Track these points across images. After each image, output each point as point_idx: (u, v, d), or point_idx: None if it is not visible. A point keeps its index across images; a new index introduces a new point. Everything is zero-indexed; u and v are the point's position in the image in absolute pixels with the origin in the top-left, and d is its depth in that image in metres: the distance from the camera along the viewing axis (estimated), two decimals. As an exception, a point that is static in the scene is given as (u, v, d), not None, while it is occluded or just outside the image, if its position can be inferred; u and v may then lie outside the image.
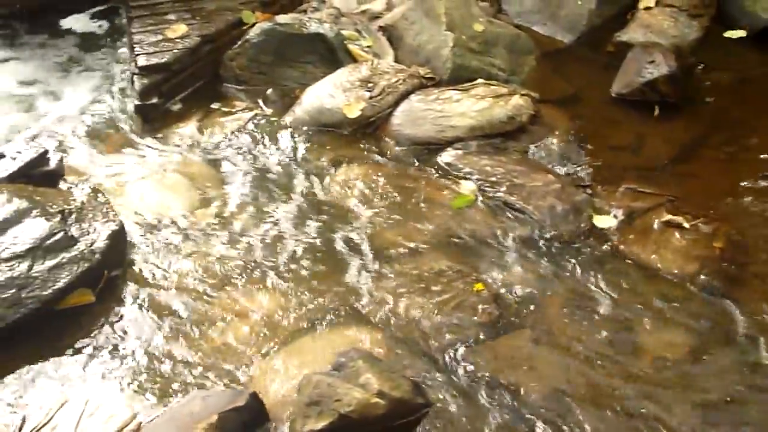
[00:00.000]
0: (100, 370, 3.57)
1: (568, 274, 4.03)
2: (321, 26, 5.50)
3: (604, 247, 4.18)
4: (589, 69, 5.69)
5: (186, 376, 3.54)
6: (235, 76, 5.50)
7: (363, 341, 3.66)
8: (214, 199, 4.52)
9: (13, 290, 3.65)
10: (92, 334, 3.72)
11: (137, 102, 5.16)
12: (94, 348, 3.67)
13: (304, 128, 5.03)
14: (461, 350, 3.64)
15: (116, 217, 4.11)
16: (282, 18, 5.56)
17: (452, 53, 5.32)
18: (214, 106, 5.31)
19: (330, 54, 5.45)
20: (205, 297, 3.92)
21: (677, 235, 4.21)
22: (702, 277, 3.98)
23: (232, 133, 5.03)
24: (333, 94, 5.08)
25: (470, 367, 3.55)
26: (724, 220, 4.30)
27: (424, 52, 5.48)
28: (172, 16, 5.65)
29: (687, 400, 3.42)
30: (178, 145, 4.98)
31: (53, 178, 4.46)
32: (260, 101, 5.34)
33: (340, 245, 4.20)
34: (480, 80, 5.20)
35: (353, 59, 5.45)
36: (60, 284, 3.74)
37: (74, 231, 3.94)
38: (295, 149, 4.90)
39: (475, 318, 3.79)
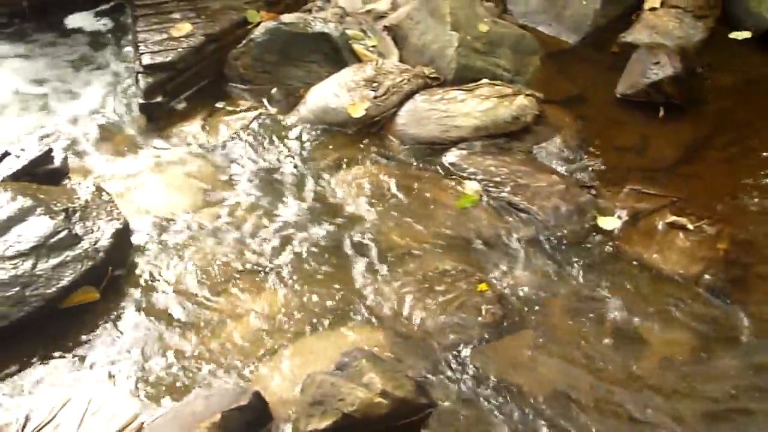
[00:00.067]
0: (104, 368, 3.57)
1: (572, 274, 4.03)
2: (326, 26, 5.49)
3: (608, 248, 4.18)
4: (594, 69, 5.68)
5: (189, 374, 3.55)
6: (240, 75, 5.50)
7: (366, 341, 3.65)
8: (218, 198, 4.53)
9: (17, 288, 3.66)
10: (96, 333, 3.73)
11: (142, 101, 5.16)
12: (98, 346, 3.67)
13: (309, 127, 5.03)
14: (465, 351, 3.63)
15: (120, 216, 4.12)
16: (287, 17, 5.56)
17: (457, 53, 5.30)
18: (219, 105, 5.31)
19: (335, 53, 5.45)
20: (208, 296, 3.92)
21: (681, 236, 4.21)
22: (706, 278, 3.98)
23: (237, 132, 5.02)
24: (338, 93, 5.08)
25: (474, 368, 3.55)
26: (728, 222, 4.30)
27: (428, 51, 5.47)
28: (176, 15, 5.65)
29: (691, 401, 3.43)
30: (182, 144, 4.98)
31: (57, 176, 4.48)
32: (265, 100, 5.34)
33: (344, 245, 4.20)
34: (485, 80, 5.19)
35: (358, 59, 5.45)
36: (64, 282, 3.75)
37: (78, 229, 3.95)
38: (299, 148, 4.89)
39: (479, 318, 3.78)
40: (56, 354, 3.63)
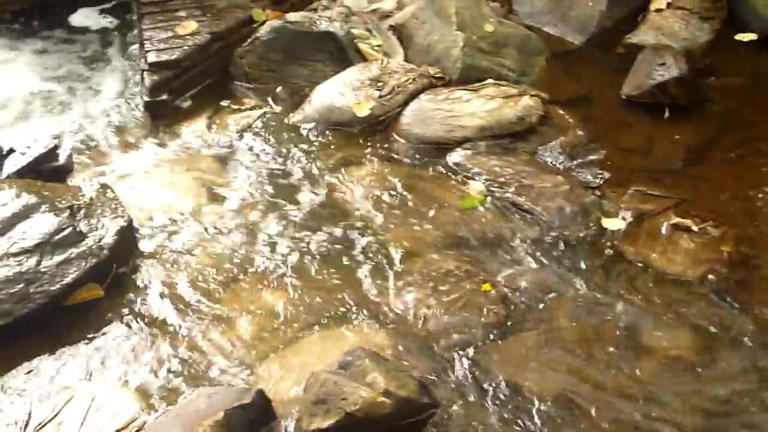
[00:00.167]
0: (107, 365, 3.57)
1: (575, 275, 4.03)
2: (331, 25, 5.50)
3: (612, 249, 4.18)
4: (600, 70, 5.68)
5: (193, 372, 3.55)
6: (245, 73, 5.50)
7: (370, 340, 3.66)
8: (222, 197, 4.53)
9: (22, 285, 3.66)
10: (100, 330, 3.73)
11: (147, 98, 5.16)
12: (102, 343, 3.67)
13: (314, 126, 5.03)
14: (468, 350, 3.64)
15: (125, 213, 4.12)
16: (292, 16, 5.55)
17: (462, 53, 5.31)
18: (224, 103, 5.30)
19: (340, 52, 5.46)
20: (212, 294, 3.93)
21: (686, 237, 4.22)
22: (710, 280, 3.98)
23: (242, 130, 5.02)
24: (343, 92, 5.09)
25: (477, 368, 3.56)
26: (733, 224, 4.31)
27: (434, 51, 5.47)
28: (182, 13, 5.64)
29: (693, 403, 3.43)
30: (187, 142, 4.98)
31: (62, 173, 4.49)
32: (270, 99, 5.34)
33: (348, 244, 4.20)
34: (490, 80, 5.20)
35: (363, 58, 5.45)
36: (68, 279, 3.75)
37: (83, 226, 3.94)
38: (304, 147, 4.89)
39: (483, 318, 3.79)
40: (60, 351, 3.63)
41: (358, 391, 3.09)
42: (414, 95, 5.10)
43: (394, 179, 4.61)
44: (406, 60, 5.52)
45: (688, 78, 5.13)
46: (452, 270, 4.03)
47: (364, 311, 3.84)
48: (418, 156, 4.83)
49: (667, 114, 5.12)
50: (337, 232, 4.28)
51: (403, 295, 3.91)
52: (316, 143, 4.93)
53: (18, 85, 5.53)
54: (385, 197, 4.49)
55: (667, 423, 3.34)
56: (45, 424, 3.25)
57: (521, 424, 3.34)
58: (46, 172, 4.39)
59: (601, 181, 4.60)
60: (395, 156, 4.83)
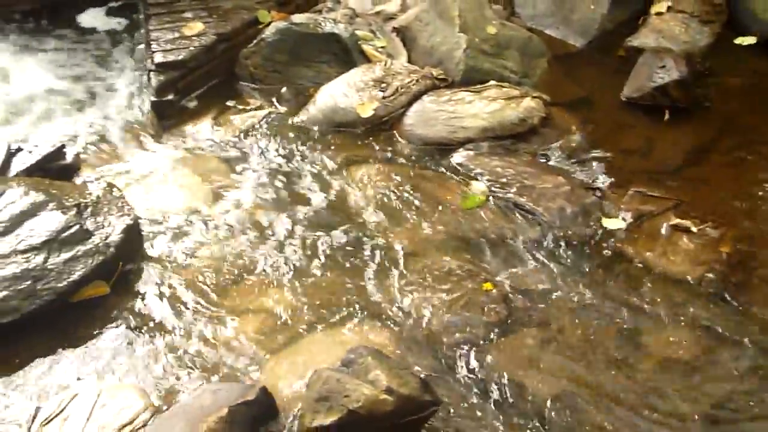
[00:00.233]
0: (113, 361, 3.59)
1: (576, 275, 4.05)
2: (336, 26, 5.51)
3: (613, 249, 4.19)
4: (601, 73, 5.69)
5: (197, 369, 3.57)
6: (250, 74, 5.52)
7: (372, 338, 3.67)
8: (227, 196, 4.54)
9: (29, 282, 3.68)
10: (106, 326, 3.75)
11: (153, 98, 5.18)
12: (108, 340, 3.69)
13: (318, 127, 5.05)
14: (469, 349, 3.65)
15: (131, 212, 4.14)
16: (297, 18, 5.57)
17: (465, 55, 5.32)
18: (229, 103, 5.32)
19: (344, 54, 5.47)
20: (217, 292, 3.94)
21: (685, 238, 4.22)
22: (709, 280, 3.99)
23: (247, 130, 5.04)
24: (347, 93, 5.11)
25: (478, 366, 3.57)
26: (732, 225, 4.31)
27: (437, 53, 5.49)
28: (188, 14, 5.66)
29: (692, 403, 3.44)
30: (192, 142, 5.00)
31: (69, 172, 4.52)
32: (274, 99, 5.35)
33: (351, 243, 4.22)
34: (492, 82, 5.21)
35: (367, 59, 5.47)
36: (75, 276, 3.77)
37: (89, 224, 3.96)
38: (308, 147, 4.91)
39: (484, 317, 3.80)
40: (66, 347, 3.65)
41: (361, 388, 3.09)
42: (417, 96, 5.11)
43: (397, 179, 4.62)
44: (410, 61, 5.53)
45: (688, 81, 5.14)
46: (454, 269, 4.05)
47: (367, 310, 3.85)
48: (421, 156, 4.84)
49: (667, 116, 5.13)
50: (341, 231, 4.29)
51: (406, 294, 3.92)
52: (320, 143, 4.94)
53: (31, 84, 5.57)
54: (388, 197, 4.51)
55: (667, 422, 3.35)
56: (51, 419, 3.27)
57: (521, 422, 3.35)
58: (53, 170, 4.42)
59: (602, 182, 4.61)
60: (398, 156, 4.85)
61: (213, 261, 4.11)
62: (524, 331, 3.78)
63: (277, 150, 4.90)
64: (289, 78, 5.48)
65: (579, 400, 3.44)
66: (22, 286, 3.67)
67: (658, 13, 5.92)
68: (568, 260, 4.13)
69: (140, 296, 3.91)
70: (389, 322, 3.79)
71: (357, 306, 3.87)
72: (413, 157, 4.84)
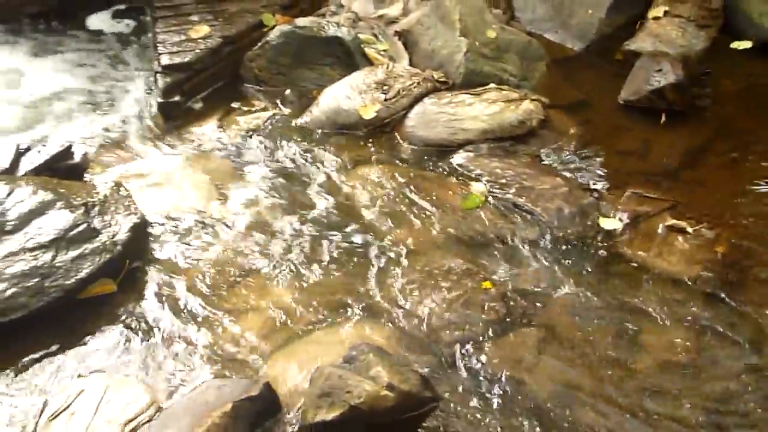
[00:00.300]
0: (119, 358, 3.61)
1: (574, 274, 4.07)
2: (339, 30, 5.55)
3: (609, 249, 4.22)
4: (599, 76, 5.73)
5: (202, 365, 3.58)
6: (255, 76, 5.56)
7: (374, 335, 3.70)
8: (232, 196, 4.56)
9: (37, 279, 3.70)
10: (112, 323, 3.77)
11: (160, 99, 5.21)
12: (114, 336, 3.71)
13: (321, 128, 5.09)
14: (469, 347, 3.67)
15: (138, 211, 4.16)
16: (301, 21, 5.62)
17: (465, 58, 5.36)
18: (234, 105, 5.37)
19: (347, 57, 5.52)
20: (222, 289, 3.96)
21: (681, 239, 4.25)
22: (704, 279, 4.02)
23: (251, 131, 5.08)
24: (349, 95, 5.14)
25: (477, 364, 3.59)
26: (727, 226, 4.34)
27: (438, 56, 5.53)
28: (195, 17, 5.71)
29: (689, 402, 3.46)
30: (198, 142, 5.03)
31: (77, 171, 4.52)
32: (278, 101, 5.40)
33: (352, 242, 4.25)
34: (492, 85, 5.25)
35: (369, 62, 5.51)
36: (82, 274, 3.79)
37: (97, 223, 3.98)
38: (311, 148, 4.95)
39: (483, 315, 3.83)
40: (73, 343, 3.66)
41: (362, 384, 3.09)
42: (418, 99, 5.15)
43: (399, 180, 4.65)
44: (411, 64, 5.57)
45: (684, 84, 5.17)
46: (454, 268, 4.07)
47: (368, 307, 3.87)
48: (421, 157, 4.88)
49: (663, 119, 5.17)
50: (343, 230, 4.32)
51: (406, 292, 3.94)
52: (323, 144, 4.98)
53: (43, 84, 5.61)
54: (389, 197, 4.54)
55: (665, 421, 3.37)
56: (58, 414, 3.28)
57: (519, 419, 3.37)
58: (61, 169, 4.42)
59: (599, 184, 4.65)
60: (399, 157, 4.88)
61: (218, 259, 4.13)
62: (522, 329, 3.79)
63: (280, 151, 4.93)
64: (293, 80, 5.52)
65: (575, 397, 3.47)
66: (31, 283, 3.68)
67: (656, 18, 5.96)
68: (566, 260, 4.15)
69: (146, 294, 3.93)
70: (390, 320, 3.81)
71: (358, 304, 3.89)
72: (414, 158, 4.88)
